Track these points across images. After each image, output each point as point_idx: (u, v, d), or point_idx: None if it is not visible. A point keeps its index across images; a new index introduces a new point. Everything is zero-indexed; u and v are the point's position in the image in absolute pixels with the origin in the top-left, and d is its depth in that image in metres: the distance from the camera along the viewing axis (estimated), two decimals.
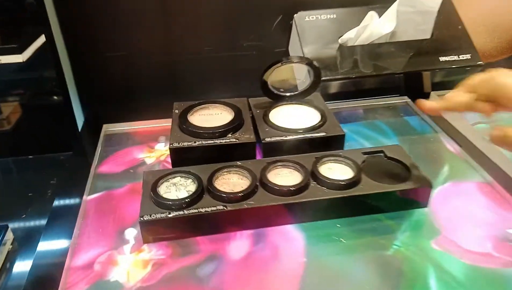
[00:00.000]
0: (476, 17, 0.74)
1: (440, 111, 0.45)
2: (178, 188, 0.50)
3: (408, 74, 0.77)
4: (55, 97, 0.72)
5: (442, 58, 0.72)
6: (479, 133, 0.68)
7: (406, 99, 0.79)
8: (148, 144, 0.68)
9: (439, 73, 0.82)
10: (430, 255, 0.47)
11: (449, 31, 0.73)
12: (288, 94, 0.63)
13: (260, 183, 0.50)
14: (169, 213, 0.46)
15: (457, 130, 0.70)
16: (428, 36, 0.74)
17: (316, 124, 0.58)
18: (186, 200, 0.47)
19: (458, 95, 0.43)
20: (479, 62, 0.72)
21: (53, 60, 0.70)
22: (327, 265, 0.46)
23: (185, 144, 0.54)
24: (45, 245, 0.50)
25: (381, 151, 0.56)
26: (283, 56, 0.82)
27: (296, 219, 0.50)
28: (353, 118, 0.74)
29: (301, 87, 0.63)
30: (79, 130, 0.76)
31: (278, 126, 0.58)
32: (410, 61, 0.72)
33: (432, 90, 0.80)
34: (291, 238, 0.49)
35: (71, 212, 0.54)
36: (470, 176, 0.59)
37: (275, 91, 0.62)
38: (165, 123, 0.74)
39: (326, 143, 0.56)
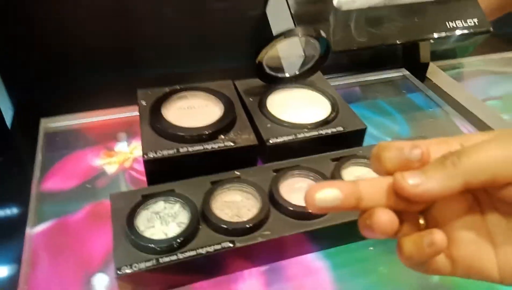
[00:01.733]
0: None
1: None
2: (163, 219, 0.36)
3: (408, 43, 0.67)
4: None
5: (448, 24, 0.63)
6: (491, 111, 0.60)
7: (404, 71, 0.70)
8: (105, 145, 0.53)
9: (441, 41, 0.73)
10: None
11: None
12: (287, 75, 0.50)
13: (272, 202, 0.38)
14: (157, 260, 0.33)
15: (466, 107, 0.62)
16: None
17: (329, 116, 0.46)
18: (179, 240, 0.34)
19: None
20: (488, 29, 0.64)
21: None
22: None
23: (165, 153, 0.41)
24: None
25: None
26: (259, 21, 0.68)
27: (319, 246, 0.39)
28: (351, 98, 0.63)
29: (302, 66, 0.51)
30: (9, 126, 0.58)
31: (282, 121, 0.45)
32: (412, 28, 0.61)
33: (431, 60, 0.71)
34: (314, 269, 0.39)
35: (10, 256, 0.39)
36: None
37: (272, 73, 0.49)
38: (123, 113, 0.58)
39: (343, 140, 0.45)
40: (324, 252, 0.40)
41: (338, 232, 0.39)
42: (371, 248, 0.40)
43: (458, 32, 0.62)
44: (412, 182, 0.20)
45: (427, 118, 0.60)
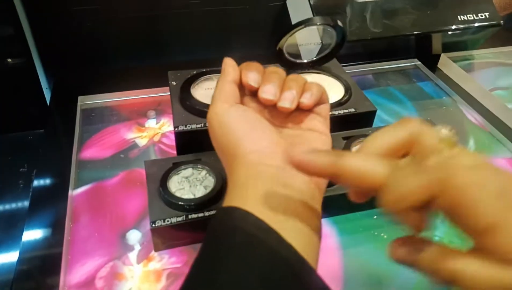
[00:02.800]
0: None
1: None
2: (192, 183, 0.41)
3: (420, 34, 0.70)
4: (16, 60, 0.59)
5: (460, 17, 0.66)
6: (497, 100, 0.63)
7: (415, 61, 0.73)
8: (136, 121, 0.58)
9: (453, 33, 0.76)
10: None
11: None
12: (305, 61, 0.54)
13: None
14: (186, 216, 0.38)
15: (474, 97, 0.65)
16: None
17: (342, 99, 0.50)
18: (206, 199, 0.39)
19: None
20: (498, 22, 0.66)
21: (8, 13, 0.56)
22: (368, 264, 0.41)
23: (193, 126, 0.45)
24: (27, 262, 0.40)
25: None
26: (279, 12, 0.72)
27: (326, 213, 0.44)
28: (364, 84, 0.67)
29: (319, 53, 0.55)
30: (47, 102, 0.64)
31: None
32: (425, 20, 0.65)
33: (442, 51, 0.74)
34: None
35: (55, 213, 0.45)
36: (497, 151, 0.55)
37: (291, 58, 0.53)
38: (152, 94, 0.63)
39: (354, 120, 0.49)
40: (331, 219, 0.44)
41: (345, 201, 0.43)
42: (375, 217, 0.45)
43: (469, 25, 0.65)
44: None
45: (436, 106, 0.63)
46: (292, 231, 0.24)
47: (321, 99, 0.32)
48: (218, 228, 0.25)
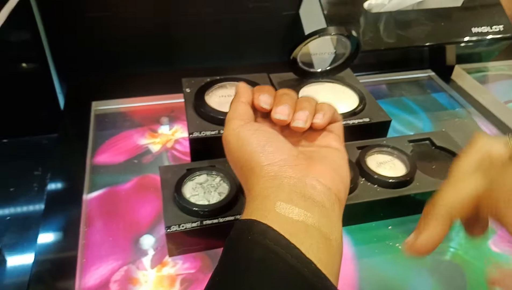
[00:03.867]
0: None
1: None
2: (207, 189, 0.41)
3: (434, 46, 0.70)
4: (31, 65, 0.60)
5: (474, 29, 0.66)
6: None
7: (429, 72, 0.73)
8: (149, 127, 0.58)
9: (467, 45, 0.76)
10: (491, 258, 0.42)
11: None
12: (319, 70, 0.54)
13: None
14: (201, 222, 0.38)
15: (488, 109, 0.65)
16: (459, 3, 0.66)
17: (356, 108, 0.50)
18: (221, 206, 0.39)
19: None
20: None
21: (27, 19, 0.57)
22: (383, 274, 0.40)
23: (207, 133, 0.46)
24: (43, 264, 0.40)
25: (428, 139, 0.50)
26: (292, 21, 0.73)
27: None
28: (377, 95, 0.67)
29: (332, 62, 0.55)
30: (61, 107, 0.64)
31: None
32: (439, 31, 0.65)
33: (456, 63, 0.74)
34: None
35: (69, 216, 0.45)
36: None
37: (304, 68, 0.53)
38: (165, 100, 0.64)
39: (368, 130, 0.49)
40: (346, 228, 0.44)
41: (359, 211, 0.42)
42: (390, 227, 0.44)
43: (483, 37, 0.65)
44: None
45: (450, 117, 0.63)
46: (312, 246, 0.24)
47: (333, 118, 0.32)
48: (237, 242, 0.25)
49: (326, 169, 0.28)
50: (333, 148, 0.31)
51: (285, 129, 0.32)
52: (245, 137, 0.29)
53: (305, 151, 0.31)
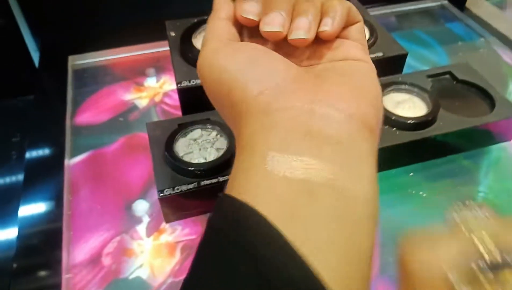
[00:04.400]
0: None
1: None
2: (202, 146, 0.36)
3: None
4: None
5: None
6: None
7: (442, 1, 0.65)
8: (134, 80, 0.52)
9: None
10: None
11: None
12: None
13: None
14: (198, 183, 0.33)
15: (509, 38, 0.58)
16: None
17: (367, 41, 0.44)
18: (219, 163, 0.34)
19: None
20: None
21: None
22: (405, 225, 0.36)
23: (198, 81, 0.40)
24: (27, 239, 0.36)
25: (448, 72, 0.44)
26: None
27: None
28: (386, 28, 0.60)
29: None
30: (36, 65, 0.58)
31: None
32: None
33: None
34: None
35: (52, 185, 0.40)
36: None
37: None
38: (150, 49, 0.57)
39: (382, 66, 0.43)
40: None
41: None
42: (411, 174, 0.39)
43: None
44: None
45: (468, 49, 0.57)
46: (320, 230, 0.15)
47: (350, 19, 0.23)
48: (219, 236, 0.16)
49: (345, 88, 0.20)
50: (354, 60, 0.22)
51: (284, 46, 0.23)
52: (221, 63, 0.21)
53: (313, 69, 0.22)
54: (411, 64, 0.53)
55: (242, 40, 0.23)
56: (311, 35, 0.21)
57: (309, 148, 0.17)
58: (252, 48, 0.21)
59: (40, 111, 0.50)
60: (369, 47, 0.44)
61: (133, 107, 0.48)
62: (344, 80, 0.20)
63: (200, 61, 0.22)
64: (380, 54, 0.43)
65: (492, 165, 0.41)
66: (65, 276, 0.33)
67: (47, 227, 0.37)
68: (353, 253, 0.16)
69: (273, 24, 0.21)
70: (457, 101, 0.41)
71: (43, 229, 0.37)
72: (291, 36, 0.21)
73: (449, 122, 0.38)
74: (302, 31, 0.21)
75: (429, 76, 0.43)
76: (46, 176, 0.41)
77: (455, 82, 0.43)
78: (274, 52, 0.21)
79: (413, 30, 0.60)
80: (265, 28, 0.21)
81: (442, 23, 0.61)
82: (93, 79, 0.53)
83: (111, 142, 0.44)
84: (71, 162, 0.42)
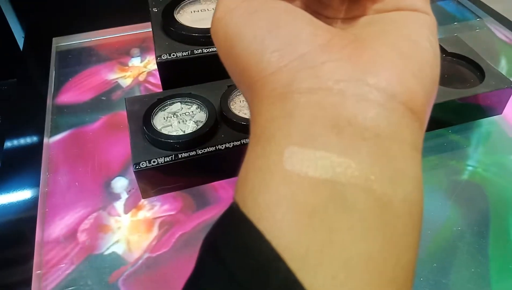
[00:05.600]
0: None
1: None
2: (181, 119, 0.35)
3: None
4: None
5: None
6: None
7: None
8: (118, 60, 0.51)
9: None
10: None
11: None
12: None
13: None
14: (175, 155, 0.32)
15: (505, 16, 0.57)
16: None
17: None
18: (198, 136, 0.33)
19: None
20: None
21: None
22: None
23: (179, 54, 0.38)
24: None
25: None
26: None
27: None
28: None
29: None
30: (21, 48, 0.57)
31: None
32: None
33: None
34: None
35: (30, 163, 0.39)
36: None
37: None
38: (136, 30, 0.56)
39: None
40: None
41: None
42: None
43: None
44: None
45: (462, 28, 0.55)
46: (346, 246, 0.12)
47: None
48: (221, 272, 0.13)
49: (390, 55, 0.15)
50: (410, 11, 0.17)
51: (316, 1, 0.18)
52: (235, 29, 0.16)
53: (354, 28, 0.17)
54: None
55: None
56: None
57: (338, 143, 0.13)
58: (273, 7, 0.16)
59: (22, 93, 0.49)
60: None
61: (116, 86, 0.47)
62: (390, 42, 0.15)
63: (214, 24, 0.17)
64: None
65: (482, 139, 0.40)
66: (37, 253, 0.32)
67: (23, 206, 0.36)
68: (390, 270, 0.13)
69: None
70: (446, 74, 0.40)
71: (18, 208, 0.36)
72: None
73: (437, 94, 0.37)
74: None
75: None
76: (23, 156, 0.40)
77: (444, 55, 0.42)
78: (301, 11, 0.16)
79: None
80: None
81: (433, 1, 0.60)
82: (77, 60, 0.52)
83: (93, 121, 0.43)
84: (50, 140, 0.41)
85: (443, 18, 0.57)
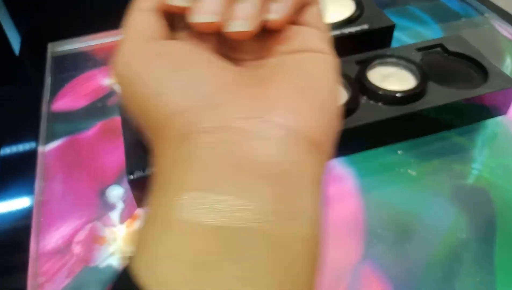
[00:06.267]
0: None
1: None
2: None
3: None
4: None
5: None
6: None
7: None
8: None
9: None
10: None
11: None
12: None
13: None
14: None
15: (509, 12, 0.55)
16: None
17: (352, 15, 0.41)
18: None
19: None
20: None
21: None
22: (394, 207, 0.34)
23: None
24: None
25: (439, 45, 0.41)
26: None
27: (340, 152, 0.36)
28: (379, 4, 0.57)
29: None
30: (17, 54, 0.56)
31: None
32: None
33: None
34: (337, 177, 0.36)
35: (25, 172, 0.39)
36: None
37: None
38: None
39: (369, 40, 0.41)
40: (347, 159, 0.37)
41: (363, 135, 0.35)
42: (400, 152, 0.37)
43: None
44: None
45: (466, 25, 0.54)
46: None
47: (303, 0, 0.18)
48: None
49: (288, 90, 0.16)
50: (311, 52, 0.18)
51: (228, 40, 0.18)
52: (135, 72, 0.16)
53: (261, 68, 0.18)
54: (405, 41, 0.50)
55: (176, 36, 0.18)
56: (252, 26, 0.17)
57: (236, 183, 0.13)
58: (179, 48, 0.17)
59: (18, 99, 0.49)
60: (355, 20, 0.41)
61: (112, 92, 0.47)
62: (289, 79, 0.16)
63: (115, 70, 0.17)
64: (365, 26, 0.41)
65: (487, 141, 0.39)
66: (32, 265, 0.31)
67: (18, 215, 0.36)
68: None
69: (204, 12, 0.16)
70: (449, 74, 0.39)
71: (13, 217, 0.36)
72: (228, 28, 0.17)
73: (439, 95, 0.36)
74: (241, 21, 0.16)
75: (419, 50, 0.41)
76: (19, 164, 0.40)
77: (446, 54, 0.41)
78: (205, 53, 0.17)
79: (406, 6, 0.57)
80: (194, 17, 0.16)
81: None
82: (73, 65, 0.51)
83: (89, 127, 0.43)
84: (46, 148, 0.41)
85: (446, 16, 0.56)
